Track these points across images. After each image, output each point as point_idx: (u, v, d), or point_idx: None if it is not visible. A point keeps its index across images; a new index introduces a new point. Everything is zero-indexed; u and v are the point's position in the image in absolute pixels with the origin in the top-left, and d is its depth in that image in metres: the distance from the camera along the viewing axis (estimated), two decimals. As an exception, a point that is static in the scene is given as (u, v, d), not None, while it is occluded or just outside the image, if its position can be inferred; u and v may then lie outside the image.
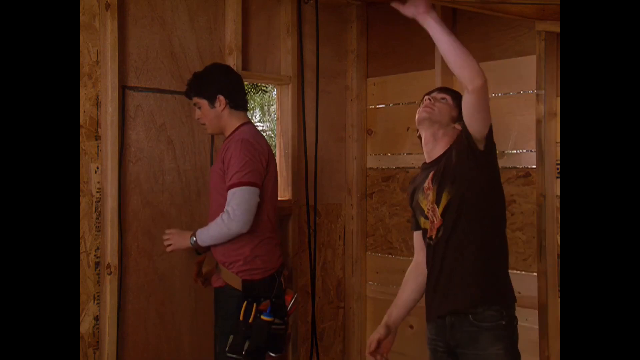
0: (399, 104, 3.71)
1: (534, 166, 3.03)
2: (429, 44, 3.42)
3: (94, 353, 2.77)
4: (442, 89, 2.44)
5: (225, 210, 2.60)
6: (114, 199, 2.77)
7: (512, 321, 2.21)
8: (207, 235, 2.67)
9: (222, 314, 2.76)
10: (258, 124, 9.56)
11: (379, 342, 2.37)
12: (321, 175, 3.59)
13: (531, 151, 3.06)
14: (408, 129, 3.60)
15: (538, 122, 2.98)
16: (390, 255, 3.72)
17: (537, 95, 2.97)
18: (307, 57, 3.55)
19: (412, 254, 3.58)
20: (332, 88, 3.71)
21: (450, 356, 2.24)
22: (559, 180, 2.94)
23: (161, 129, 2.98)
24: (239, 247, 2.68)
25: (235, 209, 2.57)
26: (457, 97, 2.33)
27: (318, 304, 3.61)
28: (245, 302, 2.64)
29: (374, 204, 3.78)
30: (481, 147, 2.19)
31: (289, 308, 2.79)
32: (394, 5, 2.14)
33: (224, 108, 2.75)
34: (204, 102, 2.76)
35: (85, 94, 2.74)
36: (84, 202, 2.73)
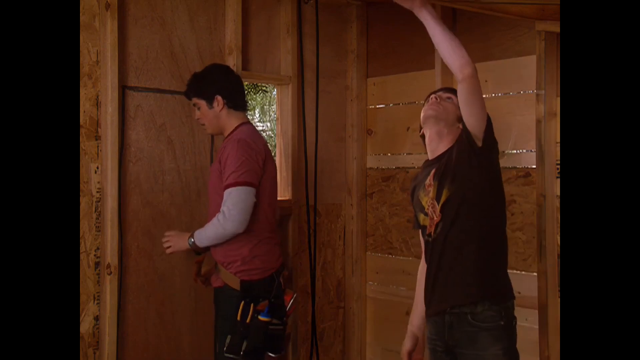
0: (399, 104, 3.71)
1: (534, 166, 3.03)
2: (429, 44, 3.43)
3: (94, 353, 2.77)
4: (447, 89, 2.45)
5: (221, 210, 2.61)
6: (114, 199, 2.77)
7: (511, 321, 2.21)
8: (204, 235, 2.67)
9: (222, 314, 2.76)
10: (258, 124, 9.56)
11: (410, 354, 2.40)
12: (321, 175, 3.59)
13: (531, 151, 3.06)
14: (408, 129, 3.60)
15: (538, 122, 2.98)
16: (390, 255, 3.72)
17: (537, 95, 2.97)
18: (307, 57, 3.55)
19: (412, 254, 3.61)
20: (332, 88, 3.71)
21: (448, 356, 2.24)
22: (559, 180, 2.94)
23: (161, 129, 2.98)
24: (238, 247, 2.68)
25: (231, 209, 2.57)
26: None
27: (318, 304, 3.61)
28: (243, 302, 2.64)
29: (374, 204, 3.78)
30: (479, 143, 2.19)
31: (287, 308, 2.79)
32: None
33: (222, 108, 2.75)
34: (202, 103, 2.76)
35: (85, 94, 2.74)
36: (84, 202, 2.73)
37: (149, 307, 2.94)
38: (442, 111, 2.32)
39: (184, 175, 3.04)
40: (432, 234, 2.26)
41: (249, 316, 2.62)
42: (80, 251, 2.72)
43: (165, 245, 2.78)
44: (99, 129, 2.77)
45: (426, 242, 2.31)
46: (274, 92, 6.53)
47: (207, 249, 2.76)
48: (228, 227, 2.58)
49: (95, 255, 2.77)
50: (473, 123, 2.18)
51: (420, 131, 2.43)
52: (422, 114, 2.36)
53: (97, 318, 2.78)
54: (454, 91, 2.40)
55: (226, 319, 2.70)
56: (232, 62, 3.16)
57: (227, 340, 2.65)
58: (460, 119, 2.28)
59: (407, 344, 2.42)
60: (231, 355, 2.63)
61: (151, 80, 2.95)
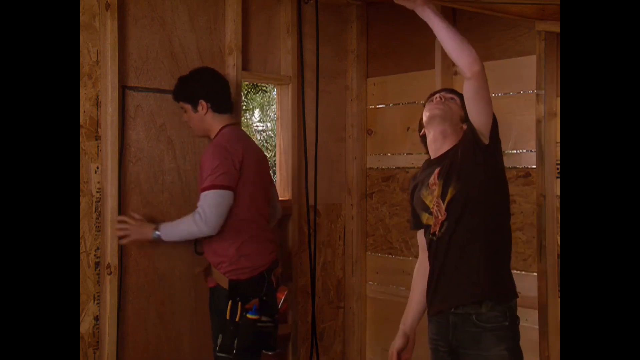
0: (399, 104, 3.71)
1: (534, 166, 3.03)
2: (429, 44, 3.45)
3: (94, 353, 2.77)
4: (449, 90, 2.45)
5: (197, 211, 2.64)
6: (114, 199, 2.77)
7: (515, 321, 2.21)
8: (174, 231, 2.71)
9: (215, 314, 2.81)
10: (258, 124, 9.56)
11: (399, 353, 2.39)
12: (321, 175, 3.59)
13: (531, 151, 3.06)
14: (408, 129, 3.60)
15: (538, 122, 2.98)
16: (390, 255, 3.72)
17: (537, 95, 2.97)
18: (307, 57, 3.55)
19: (412, 254, 3.61)
20: (332, 88, 3.71)
21: (451, 356, 2.24)
22: (559, 180, 2.94)
23: (161, 129, 2.98)
24: (225, 247, 2.72)
25: (207, 212, 2.61)
26: (463, 99, 2.33)
27: (318, 304, 3.61)
28: (231, 302, 2.67)
29: (374, 204, 3.78)
30: (486, 140, 2.20)
31: (279, 306, 2.81)
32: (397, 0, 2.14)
33: (207, 112, 2.80)
34: (188, 107, 2.82)
35: (85, 94, 2.74)
36: (84, 202, 2.73)
37: (149, 307, 2.94)
38: (447, 111, 2.32)
39: (184, 175, 3.04)
40: (436, 232, 2.25)
41: (238, 315, 2.65)
42: (80, 251, 2.72)
43: (122, 233, 2.74)
44: (99, 129, 2.77)
45: (430, 242, 2.30)
46: (274, 92, 6.53)
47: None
48: (204, 229, 2.63)
49: (95, 255, 2.77)
50: (480, 120, 2.18)
51: (420, 131, 2.43)
52: (426, 114, 2.35)
53: (97, 318, 2.78)
54: (456, 92, 2.40)
55: (219, 318, 2.73)
56: (232, 62, 3.16)
57: (219, 340, 2.69)
58: (463, 119, 2.29)
59: (397, 342, 2.40)
60: (224, 355, 2.66)
61: (151, 80, 2.95)
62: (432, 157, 2.37)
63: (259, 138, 9.16)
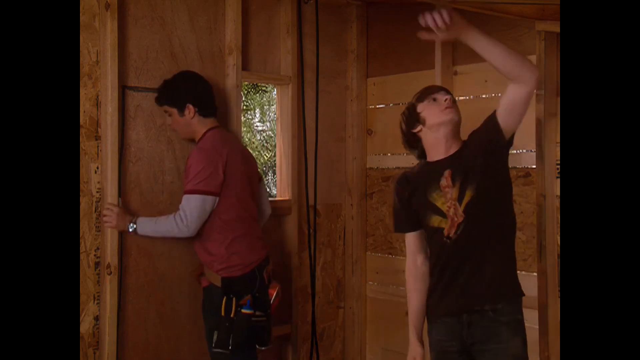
0: (399, 104, 3.70)
1: (534, 166, 3.03)
2: (429, 44, 3.45)
3: (94, 353, 2.77)
4: (447, 90, 2.44)
5: (178, 213, 2.69)
6: (114, 199, 2.77)
7: (523, 316, 2.31)
8: (152, 228, 2.74)
9: (209, 312, 2.84)
10: (258, 124, 9.55)
11: None
12: (321, 175, 3.59)
13: (531, 151, 3.06)
14: (408, 129, 3.60)
15: (538, 122, 2.98)
16: (390, 255, 3.72)
17: (537, 95, 2.97)
18: (307, 57, 3.55)
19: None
20: (332, 88, 3.71)
21: (462, 356, 2.27)
22: (559, 180, 2.94)
23: (161, 129, 2.98)
24: (216, 246, 2.76)
25: (188, 216, 2.67)
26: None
27: (318, 304, 3.61)
28: (225, 298, 2.71)
29: (374, 204, 3.78)
30: (504, 142, 2.26)
31: (272, 301, 2.83)
32: (428, 36, 2.19)
33: (194, 116, 2.82)
34: (174, 111, 2.84)
35: (85, 94, 2.74)
36: (84, 202, 2.73)
37: (149, 307, 2.94)
38: (458, 113, 2.36)
39: (183, 175, 3.04)
40: (451, 235, 2.26)
41: (232, 311, 2.69)
42: (80, 251, 2.72)
43: (106, 219, 2.75)
44: (99, 129, 2.77)
45: (442, 244, 2.29)
46: (274, 92, 6.53)
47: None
48: (184, 232, 2.69)
49: (95, 255, 2.77)
50: (513, 123, 2.25)
51: (416, 128, 2.39)
52: (440, 117, 2.32)
53: (97, 318, 2.78)
54: (450, 93, 2.41)
55: (213, 316, 2.77)
56: (232, 62, 3.16)
57: (215, 337, 2.73)
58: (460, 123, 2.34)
59: (418, 350, 2.40)
60: (220, 350, 2.70)
61: (151, 80, 2.95)
62: (433, 159, 2.37)
63: (259, 138, 9.16)
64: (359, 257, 3.79)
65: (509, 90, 2.22)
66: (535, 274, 3.00)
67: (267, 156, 8.42)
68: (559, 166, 2.95)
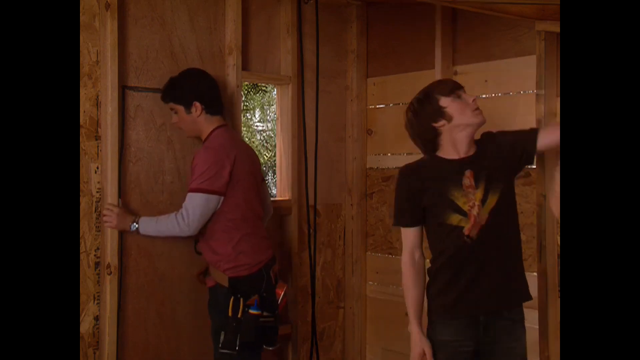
0: (399, 104, 3.70)
1: (534, 166, 3.03)
2: (429, 44, 3.45)
3: (94, 353, 2.77)
4: (461, 86, 2.45)
5: (180, 211, 2.68)
6: (114, 199, 2.77)
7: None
8: (154, 227, 2.74)
9: (215, 313, 2.82)
10: (258, 124, 9.55)
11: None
12: (321, 175, 3.59)
13: (531, 151, 3.06)
14: (408, 129, 3.60)
15: (538, 122, 2.98)
16: (390, 255, 3.72)
17: (537, 95, 2.96)
18: (307, 57, 3.55)
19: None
20: (332, 88, 3.71)
21: (476, 355, 2.31)
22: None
23: (161, 129, 2.98)
24: (222, 246, 2.75)
25: (190, 214, 2.66)
26: None
27: (318, 304, 3.61)
28: (233, 298, 2.69)
29: (374, 204, 3.78)
30: (532, 159, 2.43)
31: (279, 301, 2.82)
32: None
33: (200, 114, 2.80)
34: (180, 108, 2.82)
35: (85, 94, 2.74)
36: (84, 202, 2.73)
37: (149, 307, 2.94)
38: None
39: (183, 175, 3.04)
40: (472, 236, 2.29)
41: (240, 311, 2.68)
42: (80, 251, 2.72)
43: (106, 219, 2.74)
44: (99, 129, 2.77)
45: (461, 244, 2.31)
46: (274, 92, 6.53)
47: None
48: (185, 230, 2.68)
49: (95, 255, 2.77)
50: (550, 145, 2.40)
51: (439, 123, 2.35)
52: (472, 119, 2.34)
53: (97, 318, 2.78)
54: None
55: (220, 316, 2.75)
56: (232, 62, 3.16)
57: (222, 337, 2.71)
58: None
59: (425, 345, 2.37)
60: (227, 351, 2.68)
61: (151, 80, 2.95)
62: (449, 157, 2.37)
63: (259, 138, 9.16)
64: (359, 257, 3.79)
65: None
66: (535, 274, 2.99)
67: (267, 156, 8.43)
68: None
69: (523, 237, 3.07)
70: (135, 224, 2.74)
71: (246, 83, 5.84)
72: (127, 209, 2.83)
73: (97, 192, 2.77)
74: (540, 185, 2.98)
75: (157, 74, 2.96)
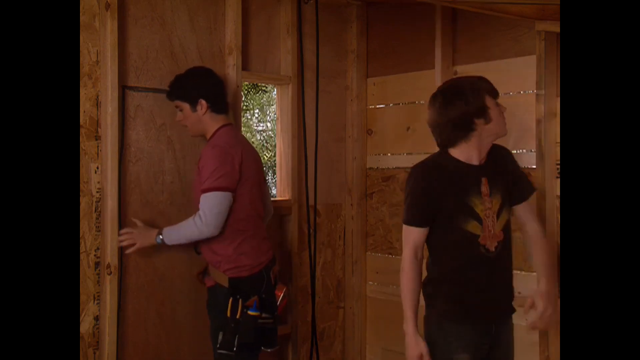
0: (399, 104, 3.70)
1: (534, 166, 3.03)
2: (429, 44, 3.45)
3: (94, 353, 2.77)
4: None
5: (197, 213, 2.66)
6: (114, 199, 2.77)
7: None
8: (176, 235, 2.72)
9: (214, 312, 2.81)
10: (258, 124, 9.55)
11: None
12: (321, 175, 3.59)
13: (531, 151, 3.06)
14: (408, 129, 3.60)
15: (538, 122, 2.98)
16: (390, 255, 3.72)
17: (537, 95, 2.97)
18: (307, 57, 3.55)
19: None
20: (332, 88, 3.71)
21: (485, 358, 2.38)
22: (559, 180, 2.94)
23: (161, 129, 2.98)
24: (224, 246, 2.73)
25: (207, 214, 2.62)
26: None
27: (318, 304, 3.61)
28: (231, 299, 2.68)
29: (374, 204, 3.78)
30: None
31: (278, 303, 2.82)
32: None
33: (206, 112, 2.79)
34: (185, 106, 2.80)
35: (85, 94, 2.74)
36: (84, 202, 2.73)
37: (149, 307, 2.94)
38: None
39: (183, 175, 3.04)
40: (489, 248, 2.33)
41: (239, 312, 2.67)
42: (80, 251, 2.72)
43: (126, 242, 2.75)
44: (99, 129, 2.77)
45: (476, 253, 2.32)
46: (274, 92, 6.52)
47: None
48: (204, 231, 2.65)
49: (95, 255, 2.77)
50: (519, 220, 2.51)
51: (480, 120, 2.31)
52: (503, 129, 2.38)
53: (97, 318, 2.78)
54: None
55: (218, 317, 2.74)
56: (232, 62, 3.16)
57: (220, 337, 2.70)
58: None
59: (423, 347, 2.32)
60: (225, 352, 2.67)
61: (151, 80, 2.95)
62: (466, 160, 2.35)
63: (259, 138, 9.16)
64: (359, 257, 3.79)
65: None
66: (535, 274, 2.99)
67: (267, 156, 8.43)
68: (559, 166, 2.95)
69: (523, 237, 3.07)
70: (160, 236, 2.73)
71: (246, 83, 5.83)
72: (146, 223, 2.83)
73: (97, 192, 2.77)
74: (541, 185, 2.98)
75: (157, 74, 2.96)
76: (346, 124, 3.79)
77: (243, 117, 6.13)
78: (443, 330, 2.36)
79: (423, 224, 2.35)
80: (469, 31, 3.31)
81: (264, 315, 2.71)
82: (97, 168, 2.77)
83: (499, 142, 2.47)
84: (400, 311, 2.46)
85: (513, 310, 2.47)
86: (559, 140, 2.92)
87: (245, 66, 3.25)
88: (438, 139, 2.39)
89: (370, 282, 3.82)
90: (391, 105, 3.74)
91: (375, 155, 3.79)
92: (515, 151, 3.15)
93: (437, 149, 2.45)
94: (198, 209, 2.68)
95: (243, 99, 7.18)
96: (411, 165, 3.53)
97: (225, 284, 2.72)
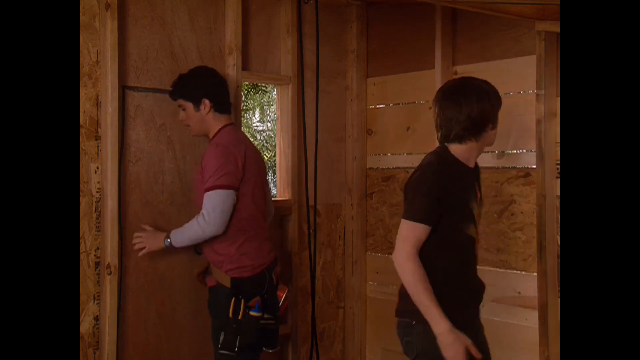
0: (399, 104, 3.71)
1: (534, 166, 3.03)
2: (429, 44, 3.46)
3: (94, 353, 2.77)
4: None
5: (201, 212, 2.65)
6: (114, 199, 2.77)
7: None
8: (181, 236, 2.71)
9: (216, 312, 2.80)
10: (258, 124, 9.56)
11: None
12: (321, 175, 3.59)
13: (531, 151, 3.06)
14: (408, 129, 3.60)
15: (538, 122, 2.98)
16: (390, 255, 3.69)
17: (537, 95, 2.97)
18: (307, 57, 3.55)
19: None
20: (332, 88, 3.71)
21: None
22: (559, 180, 2.94)
23: (161, 129, 2.98)
24: (226, 246, 2.72)
25: (210, 212, 2.62)
26: None
27: (318, 304, 3.61)
28: (234, 299, 2.68)
29: (374, 204, 3.78)
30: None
31: (280, 303, 2.82)
32: None
33: (209, 111, 2.79)
34: (189, 105, 2.79)
35: (85, 94, 2.74)
36: (84, 202, 2.73)
37: (149, 307, 2.94)
38: None
39: (183, 175, 3.04)
40: (476, 251, 2.38)
41: (241, 312, 2.66)
42: (80, 251, 2.72)
43: (138, 246, 2.79)
44: (99, 129, 2.77)
45: (471, 254, 2.36)
46: (274, 92, 6.52)
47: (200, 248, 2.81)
48: (207, 230, 2.64)
49: (95, 255, 2.77)
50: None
51: (491, 125, 2.32)
52: (494, 139, 2.39)
53: (97, 318, 2.78)
54: None
55: (220, 317, 2.73)
56: (232, 62, 3.16)
57: (221, 338, 2.69)
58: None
59: (466, 341, 2.20)
60: (226, 352, 2.67)
61: (151, 80, 2.95)
62: (464, 162, 2.32)
63: (259, 138, 9.16)
64: (359, 257, 3.79)
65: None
66: (535, 274, 3.00)
67: (267, 156, 8.43)
68: (559, 166, 2.95)
69: (523, 236, 3.08)
70: (167, 239, 2.73)
71: (246, 83, 5.83)
72: (155, 227, 2.85)
73: (97, 192, 2.77)
74: (541, 185, 2.98)
75: (157, 74, 2.96)
76: (346, 124, 3.79)
77: (243, 117, 6.13)
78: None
79: (430, 222, 2.21)
80: (469, 31, 3.31)
81: (265, 316, 2.71)
82: (97, 168, 2.77)
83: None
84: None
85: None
86: (559, 140, 2.93)
87: (245, 66, 3.25)
88: (446, 133, 2.30)
89: (370, 282, 3.82)
90: (391, 105, 3.74)
91: (375, 155, 3.79)
92: (515, 151, 3.16)
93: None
94: (201, 209, 2.68)
95: (243, 99, 7.18)
96: (411, 165, 3.57)
97: (227, 284, 2.72)
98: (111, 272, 2.76)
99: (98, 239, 2.77)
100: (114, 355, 2.76)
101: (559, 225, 2.94)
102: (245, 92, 8.37)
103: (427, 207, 2.22)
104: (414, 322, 2.26)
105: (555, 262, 2.95)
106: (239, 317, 2.66)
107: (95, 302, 2.77)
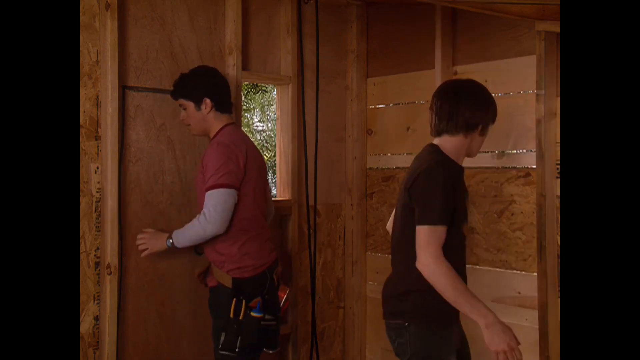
0: (399, 104, 3.70)
1: (534, 166, 3.03)
2: (429, 44, 3.46)
3: (94, 353, 2.77)
4: None
5: (202, 212, 2.65)
6: (114, 199, 2.77)
7: None
8: (183, 236, 2.71)
9: (217, 313, 2.80)
10: (258, 124, 9.55)
11: None
12: (321, 175, 3.59)
13: (531, 151, 3.06)
14: (408, 129, 3.60)
15: (538, 122, 2.98)
16: (390, 255, 3.71)
17: (537, 95, 2.97)
18: (307, 57, 3.55)
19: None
20: (332, 88, 3.71)
21: None
22: (559, 180, 2.94)
23: (161, 129, 2.98)
24: (227, 246, 2.71)
25: (212, 211, 2.61)
26: None
27: (318, 304, 3.61)
28: (235, 300, 2.67)
29: (374, 204, 3.78)
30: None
31: (281, 304, 2.81)
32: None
33: (210, 111, 2.78)
34: (190, 104, 2.79)
35: (85, 94, 2.74)
36: (84, 202, 2.73)
37: (149, 307, 2.94)
38: None
39: (184, 175, 3.04)
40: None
41: (242, 313, 2.65)
42: (80, 251, 2.72)
43: (141, 247, 2.79)
44: (99, 129, 2.78)
45: (464, 253, 2.39)
46: (274, 92, 6.53)
47: (201, 248, 2.80)
48: (208, 229, 2.63)
49: (95, 255, 2.77)
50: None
51: (479, 128, 2.36)
52: (476, 154, 2.43)
53: (97, 318, 2.78)
54: None
55: (221, 317, 2.73)
56: (232, 62, 3.16)
57: (222, 338, 2.69)
58: None
59: (512, 335, 2.18)
60: (227, 353, 2.66)
61: (151, 80, 2.95)
62: (459, 162, 2.37)
63: (259, 138, 9.16)
64: (359, 257, 3.79)
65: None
66: (535, 274, 3.00)
67: (267, 156, 8.43)
68: (559, 166, 2.95)
69: (523, 236, 3.08)
70: (169, 239, 2.72)
71: (246, 83, 5.84)
72: (155, 227, 2.85)
73: (97, 192, 2.77)
74: (541, 185, 2.98)
75: (157, 74, 2.96)
76: (346, 124, 3.80)
77: (243, 117, 6.13)
78: (436, 335, 2.27)
79: (447, 222, 2.20)
80: (469, 31, 3.31)
81: (267, 316, 2.70)
82: (97, 168, 2.77)
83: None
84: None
85: None
86: (559, 140, 2.93)
87: (245, 66, 3.26)
88: (438, 123, 2.34)
89: (370, 282, 3.82)
90: (391, 105, 3.74)
91: (375, 155, 3.79)
92: (515, 151, 3.16)
93: None
94: (202, 208, 2.68)
95: (243, 99, 7.19)
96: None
97: (229, 284, 2.71)
98: (111, 272, 2.76)
99: (98, 239, 2.77)
100: (114, 355, 2.76)
101: (559, 225, 2.94)
102: (245, 92, 8.36)
103: (442, 208, 2.19)
104: (406, 324, 2.29)
105: (555, 262, 2.95)
106: (240, 318, 2.65)
107: (95, 302, 2.77)
